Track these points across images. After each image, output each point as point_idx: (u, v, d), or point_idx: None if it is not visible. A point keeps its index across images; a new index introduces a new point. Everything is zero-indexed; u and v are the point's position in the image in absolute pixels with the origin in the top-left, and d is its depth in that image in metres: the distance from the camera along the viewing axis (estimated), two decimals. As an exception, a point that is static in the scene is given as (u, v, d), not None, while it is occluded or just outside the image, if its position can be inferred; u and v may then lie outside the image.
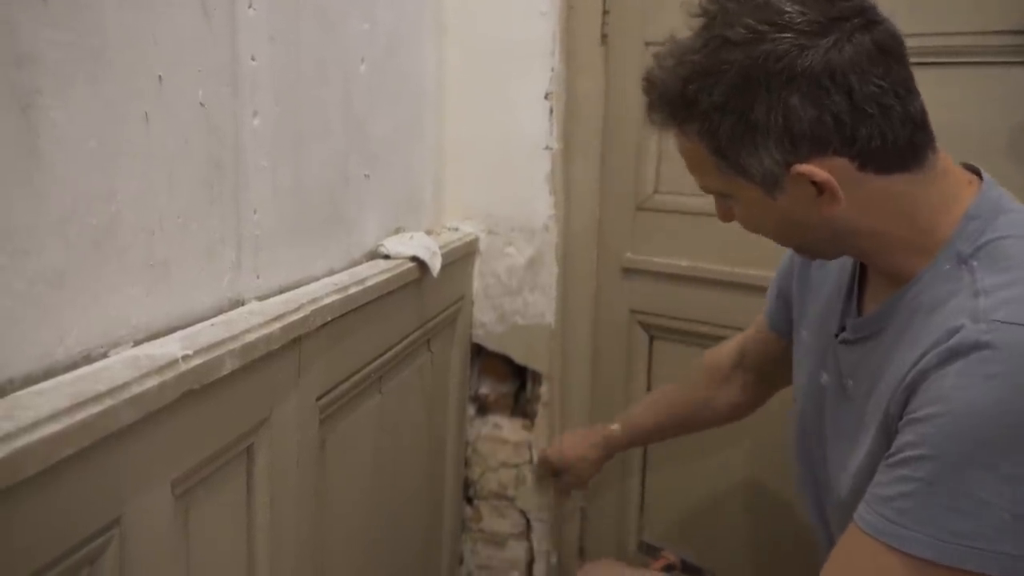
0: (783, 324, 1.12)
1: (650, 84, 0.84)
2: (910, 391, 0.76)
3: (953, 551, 0.70)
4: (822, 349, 0.97)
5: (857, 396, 0.87)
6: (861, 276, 0.93)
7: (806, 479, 1.02)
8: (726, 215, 0.90)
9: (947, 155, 0.83)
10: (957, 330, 0.73)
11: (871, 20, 0.76)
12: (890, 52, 0.76)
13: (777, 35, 0.75)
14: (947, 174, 0.82)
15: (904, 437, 0.75)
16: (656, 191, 1.55)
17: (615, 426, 1.44)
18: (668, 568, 1.23)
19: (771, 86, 0.75)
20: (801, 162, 0.77)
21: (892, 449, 0.76)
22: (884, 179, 0.79)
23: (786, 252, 1.09)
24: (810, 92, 0.74)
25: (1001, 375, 0.70)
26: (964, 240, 0.79)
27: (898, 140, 0.77)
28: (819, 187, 0.78)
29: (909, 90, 0.78)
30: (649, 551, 1.27)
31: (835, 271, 0.97)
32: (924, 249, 0.81)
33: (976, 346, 0.71)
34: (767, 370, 1.23)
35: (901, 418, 0.76)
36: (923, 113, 0.79)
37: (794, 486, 1.06)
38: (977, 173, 0.84)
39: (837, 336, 0.93)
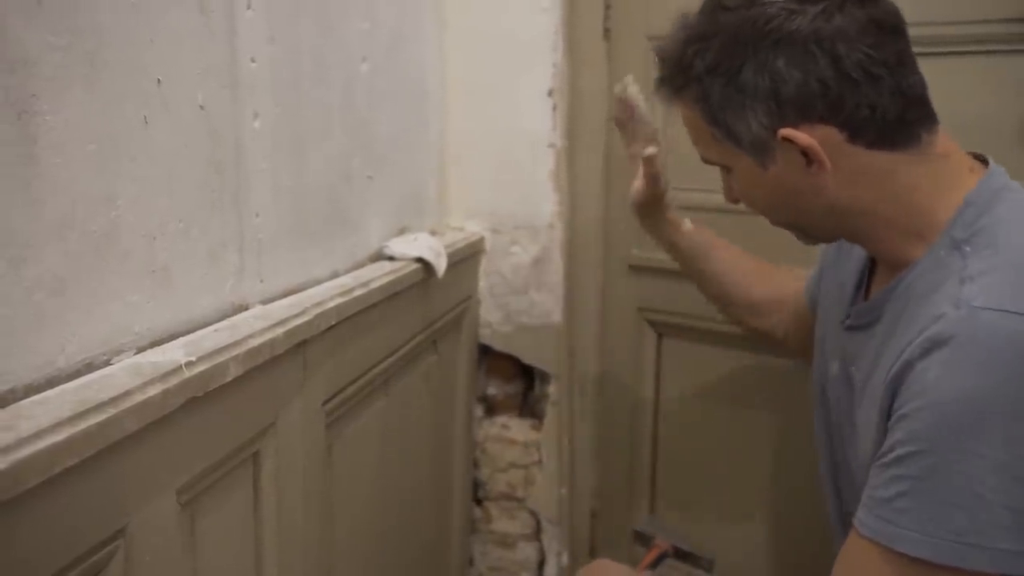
0: (811, 298, 1.10)
1: (658, 57, 0.86)
2: (897, 383, 0.75)
3: (949, 549, 0.69)
4: (832, 337, 0.96)
5: (859, 385, 0.87)
6: (872, 263, 0.92)
7: (827, 479, 1.00)
8: (730, 194, 0.91)
9: (950, 141, 0.82)
10: (939, 318, 0.72)
11: None
12: (883, 25, 0.76)
13: (769, 0, 0.77)
14: (946, 159, 0.81)
15: (895, 435, 0.74)
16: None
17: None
18: (661, 557, 1.21)
19: (758, 48, 0.77)
20: (787, 126, 0.78)
21: (884, 448, 0.75)
22: (875, 155, 0.79)
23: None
24: (796, 56, 0.76)
25: (980, 362, 0.69)
26: (960, 226, 0.78)
27: (887, 114, 0.77)
28: (807, 156, 0.78)
29: (903, 64, 0.77)
30: (642, 540, 1.24)
31: (853, 260, 0.96)
32: (920, 235, 0.80)
33: (956, 334, 0.70)
34: (797, 315, 1.15)
35: (891, 415, 0.75)
36: (919, 90, 0.79)
37: (823, 487, 1.04)
38: (984, 162, 0.83)
39: (843, 323, 0.92)
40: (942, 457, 0.69)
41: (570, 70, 1.56)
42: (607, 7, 1.53)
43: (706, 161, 0.89)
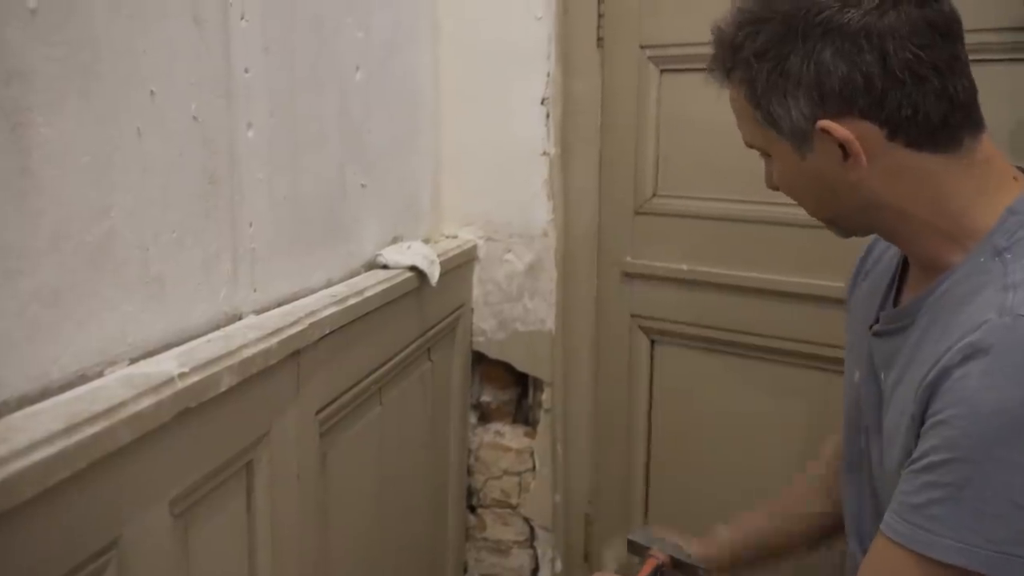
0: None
1: (713, 36, 0.86)
2: (933, 389, 0.74)
3: (984, 557, 0.68)
4: (859, 345, 0.95)
5: (888, 389, 0.86)
6: (904, 268, 0.92)
7: (847, 482, 1.00)
8: (769, 180, 0.91)
9: (994, 148, 0.82)
10: (982, 325, 0.72)
11: None
12: (938, 28, 0.76)
13: None
14: (989, 165, 0.80)
15: (929, 441, 0.73)
16: (655, 194, 1.54)
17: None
18: (657, 570, 1.20)
19: (808, 37, 0.77)
20: (827, 118, 0.78)
21: (916, 454, 0.74)
22: (914, 155, 0.78)
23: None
24: (843, 48, 0.76)
25: (1023, 372, 0.68)
26: (1002, 234, 0.77)
27: (931, 115, 0.76)
28: (844, 150, 0.78)
29: (953, 69, 0.77)
30: (636, 550, 1.24)
31: (882, 268, 0.96)
32: (958, 240, 0.80)
33: (998, 342, 0.70)
34: None
35: (924, 421, 0.75)
36: (967, 95, 0.78)
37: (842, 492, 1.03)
38: None
39: (871, 328, 0.91)
40: (979, 466, 0.69)
41: (563, 78, 1.57)
42: (600, 16, 1.54)
43: (749, 145, 0.89)
